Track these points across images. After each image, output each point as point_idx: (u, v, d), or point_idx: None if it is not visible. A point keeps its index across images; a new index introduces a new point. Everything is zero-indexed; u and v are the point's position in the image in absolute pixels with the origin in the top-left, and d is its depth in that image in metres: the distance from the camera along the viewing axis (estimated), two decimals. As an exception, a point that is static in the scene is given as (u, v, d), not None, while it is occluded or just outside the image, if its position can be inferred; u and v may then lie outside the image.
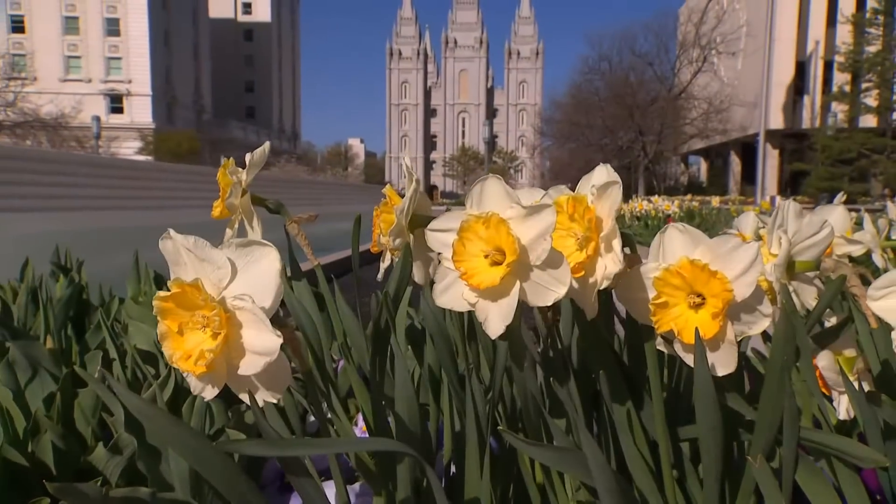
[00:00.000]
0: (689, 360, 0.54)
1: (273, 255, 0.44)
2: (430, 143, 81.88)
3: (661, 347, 0.59)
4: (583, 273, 0.54)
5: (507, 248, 0.48)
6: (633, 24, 54.92)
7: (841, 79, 27.08)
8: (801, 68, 31.27)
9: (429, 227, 0.52)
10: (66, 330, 0.95)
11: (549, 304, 0.49)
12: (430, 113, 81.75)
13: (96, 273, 1.52)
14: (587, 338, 0.60)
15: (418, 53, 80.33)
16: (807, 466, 0.56)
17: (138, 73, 44.12)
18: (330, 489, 0.67)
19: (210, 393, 0.46)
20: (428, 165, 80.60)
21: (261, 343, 0.42)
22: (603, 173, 0.56)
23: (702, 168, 44.01)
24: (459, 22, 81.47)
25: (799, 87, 31.11)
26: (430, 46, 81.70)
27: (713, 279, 0.52)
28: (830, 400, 0.71)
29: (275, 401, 0.45)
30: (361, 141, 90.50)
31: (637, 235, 6.66)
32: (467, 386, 0.56)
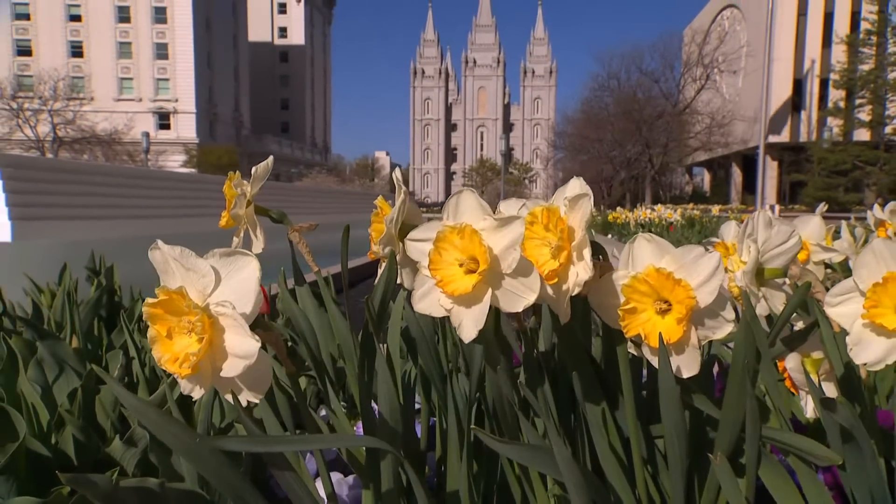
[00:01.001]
0: (656, 362, 0.53)
1: (254, 264, 0.43)
2: (450, 155, 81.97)
3: (633, 350, 0.58)
4: (556, 280, 0.53)
5: (480, 257, 0.47)
6: (641, 44, 54.59)
7: (836, 95, 27.14)
8: (799, 86, 31.25)
9: (408, 237, 0.51)
10: (94, 330, 0.96)
11: (520, 309, 0.48)
12: (450, 127, 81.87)
13: (137, 277, 1.53)
14: (563, 341, 0.58)
15: (440, 72, 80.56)
16: (770, 463, 0.54)
17: (184, 92, 44.69)
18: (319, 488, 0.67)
19: (197, 393, 0.45)
20: (449, 176, 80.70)
21: (241, 347, 0.42)
22: (576, 186, 0.55)
23: (705, 178, 43.69)
24: (478, 43, 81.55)
25: (796, 103, 30.96)
26: (451, 66, 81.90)
27: (678, 287, 0.51)
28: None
29: (257, 401, 0.44)
30: (387, 154, 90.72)
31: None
32: (448, 386, 0.55)
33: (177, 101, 44.78)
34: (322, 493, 0.63)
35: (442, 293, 0.48)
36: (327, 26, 70.17)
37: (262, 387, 0.44)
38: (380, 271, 0.72)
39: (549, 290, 0.53)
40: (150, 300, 0.43)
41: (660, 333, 0.51)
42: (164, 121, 44.90)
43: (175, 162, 40.45)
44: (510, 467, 0.60)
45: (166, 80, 44.96)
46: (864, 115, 24.78)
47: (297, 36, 62.30)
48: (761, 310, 0.67)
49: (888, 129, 24.10)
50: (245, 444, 0.44)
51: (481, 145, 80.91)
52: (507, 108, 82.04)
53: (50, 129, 37.32)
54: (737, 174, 35.98)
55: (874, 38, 24.03)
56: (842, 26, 29.23)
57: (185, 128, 44.72)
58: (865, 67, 24.45)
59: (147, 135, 29.16)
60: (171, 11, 44.32)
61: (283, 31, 62.41)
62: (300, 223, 0.74)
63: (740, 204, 26.52)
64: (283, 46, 62.22)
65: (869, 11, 24.69)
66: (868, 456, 0.50)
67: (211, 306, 0.42)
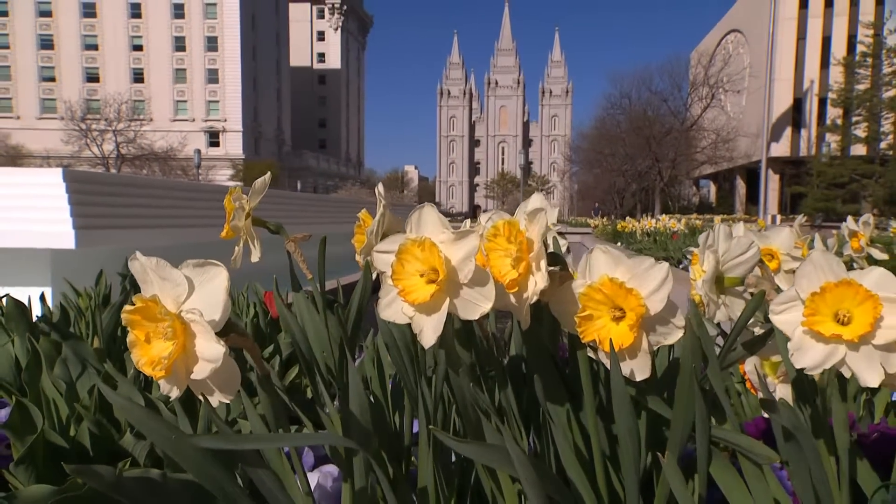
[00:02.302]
0: (609, 365, 0.52)
1: (223, 274, 0.43)
2: (474, 168, 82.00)
3: (591, 354, 0.57)
4: (517, 289, 0.52)
5: (439, 268, 0.47)
6: (650, 66, 54.10)
7: (834, 113, 27.06)
8: (799, 104, 31.12)
9: (375, 248, 0.51)
10: (118, 331, 0.97)
11: (477, 317, 0.47)
12: (474, 143, 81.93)
13: None
14: (529, 346, 0.57)
15: (464, 93, 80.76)
16: (720, 461, 0.53)
17: (232, 113, 45.38)
18: (313, 477, 0.66)
19: (175, 393, 0.45)
20: (472, 188, 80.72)
21: (208, 351, 0.41)
22: (536, 201, 0.54)
23: (711, 190, 43.19)
24: (500, 66, 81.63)
25: (797, 120, 30.68)
26: (475, 86, 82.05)
27: (630, 295, 0.50)
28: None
29: (227, 401, 0.44)
30: (416, 167, 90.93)
31: (646, 250, 6.55)
32: (418, 389, 0.54)
33: (225, 120, 45.49)
34: (311, 486, 0.63)
35: (404, 302, 0.47)
36: (361, 52, 70.76)
37: (232, 388, 0.44)
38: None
39: (512, 299, 0.52)
40: (128, 307, 0.43)
41: (610, 339, 0.50)
42: (214, 139, 45.63)
43: (223, 176, 41.05)
44: (481, 464, 0.59)
45: (216, 102, 45.72)
46: (861, 131, 24.73)
47: (333, 61, 62.95)
48: (722, 316, 0.65)
49: (883, 145, 24.02)
50: (216, 441, 0.44)
51: (502, 159, 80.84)
52: (526, 126, 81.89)
53: (114, 147, 38.15)
54: (741, 186, 35.58)
55: (869, 60, 24.00)
56: (839, 49, 29.25)
57: (233, 145, 45.39)
58: (861, 87, 24.43)
59: (199, 151, 29.65)
60: (222, 41, 45.11)
61: (321, 57, 63.11)
62: (296, 234, 0.74)
63: (744, 214, 26.23)
64: (321, 70, 62.91)
65: (865, 35, 24.69)
66: (810, 454, 0.48)
67: (183, 313, 0.42)
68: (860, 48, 24.92)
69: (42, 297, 1.17)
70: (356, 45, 68.31)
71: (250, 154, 45.23)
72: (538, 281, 0.52)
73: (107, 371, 0.77)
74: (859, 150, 25.18)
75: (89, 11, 45.11)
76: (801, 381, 0.58)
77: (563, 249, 1.21)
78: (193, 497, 0.60)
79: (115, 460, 0.78)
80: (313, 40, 62.67)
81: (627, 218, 13.38)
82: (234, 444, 0.44)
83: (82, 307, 1.18)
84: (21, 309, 0.86)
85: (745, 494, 0.52)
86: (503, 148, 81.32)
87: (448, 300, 0.47)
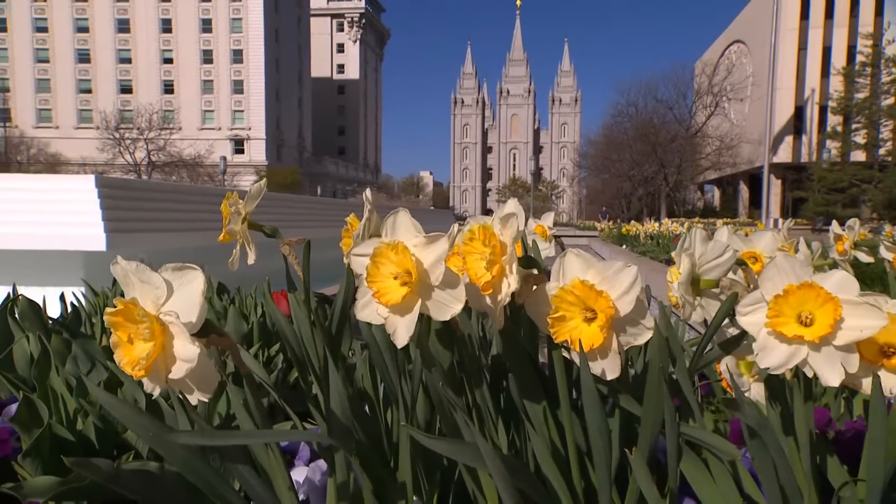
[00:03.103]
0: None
1: (200, 277, 0.43)
2: (486, 174, 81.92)
3: (566, 354, 0.56)
4: (491, 291, 0.51)
5: (412, 271, 0.46)
6: (656, 75, 53.68)
7: (834, 120, 26.87)
8: (800, 112, 30.94)
9: (352, 252, 0.50)
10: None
11: (448, 318, 0.47)
12: (486, 149, 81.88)
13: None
14: (507, 346, 0.57)
15: (477, 101, 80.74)
16: (689, 457, 0.52)
17: (256, 122, 45.74)
18: (303, 472, 0.66)
19: (156, 392, 0.45)
20: (485, 193, 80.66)
21: (184, 352, 0.41)
22: (510, 206, 0.53)
23: (715, 195, 42.83)
24: (511, 76, 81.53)
25: (798, 127, 30.49)
26: (487, 95, 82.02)
27: (600, 297, 0.49)
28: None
29: (206, 399, 0.44)
30: (430, 173, 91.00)
31: (649, 252, 6.50)
32: (399, 387, 0.53)
33: (250, 129, 45.86)
34: (300, 480, 0.63)
35: (378, 303, 0.47)
36: (379, 63, 70.99)
37: (209, 387, 0.44)
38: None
39: (488, 300, 0.52)
40: (109, 309, 0.43)
41: (579, 340, 0.49)
42: (239, 146, 46.00)
43: (247, 181, 41.34)
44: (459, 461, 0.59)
45: (241, 111, 46.12)
46: (860, 138, 24.61)
47: (352, 72, 63.24)
48: (697, 317, 0.64)
49: (882, 151, 23.91)
50: (195, 437, 0.43)
51: (514, 165, 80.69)
52: (536, 133, 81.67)
53: (145, 154, 38.59)
54: (744, 191, 35.29)
55: (869, 70, 23.94)
56: (839, 59, 29.14)
57: (257, 152, 45.73)
58: (861, 95, 24.33)
59: (224, 158, 29.95)
60: (247, 54, 45.51)
61: (340, 68, 63.42)
62: (290, 237, 0.74)
63: (747, 217, 26.03)
64: (340, 81, 63.22)
65: (864, 45, 24.66)
66: (774, 450, 0.47)
67: (161, 315, 0.42)
68: (860, 58, 24.89)
69: (62, 297, 1.18)
70: (374, 57, 68.54)
71: (273, 161, 45.54)
72: (511, 283, 0.51)
73: (113, 369, 0.77)
74: (859, 156, 25.06)
75: (123, 27, 45.75)
76: (772, 380, 0.57)
77: (560, 250, 1.19)
78: (189, 488, 0.60)
79: (120, 453, 0.78)
80: (333, 52, 62.99)
81: (632, 222, 13.29)
82: (211, 440, 0.44)
83: (99, 306, 1.19)
84: (35, 309, 0.87)
85: (714, 490, 0.51)
86: (514, 154, 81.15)
87: (420, 301, 0.46)
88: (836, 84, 27.00)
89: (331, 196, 41.71)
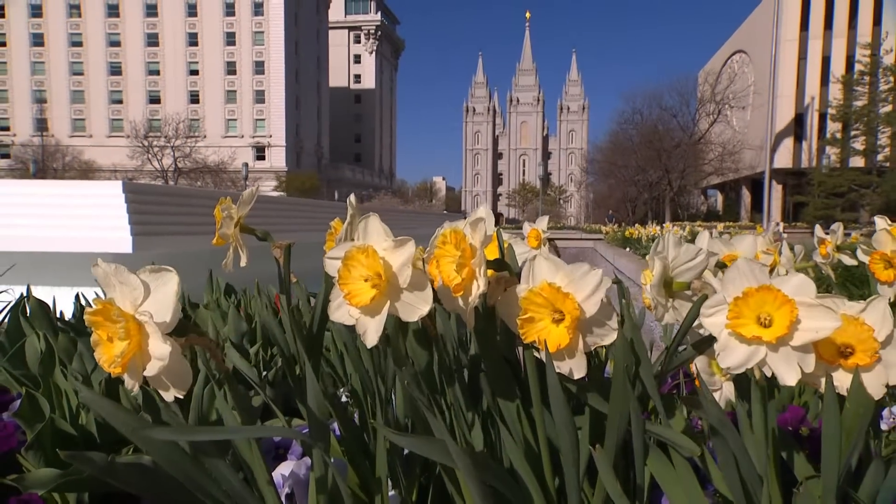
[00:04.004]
0: (553, 365, 0.50)
1: (175, 279, 0.43)
2: (497, 179, 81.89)
3: (537, 354, 0.55)
4: (462, 292, 0.51)
5: (381, 273, 0.46)
6: (661, 84, 53.31)
7: (833, 127, 26.80)
8: (800, 119, 30.75)
9: (326, 255, 0.50)
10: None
11: (416, 319, 0.46)
12: (497, 156, 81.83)
13: (234, 280, 1.57)
14: (482, 346, 0.56)
15: (488, 109, 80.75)
16: (656, 454, 0.51)
17: (276, 130, 46.08)
18: (289, 466, 0.66)
19: (136, 388, 0.45)
20: (496, 197, 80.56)
21: (157, 350, 0.41)
22: (480, 211, 0.53)
23: (719, 199, 42.52)
24: (521, 85, 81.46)
25: (798, 133, 30.28)
26: (498, 104, 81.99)
27: (567, 299, 0.48)
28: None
29: (181, 396, 0.44)
30: (443, 178, 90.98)
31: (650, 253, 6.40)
32: (374, 385, 0.53)
33: (271, 136, 46.19)
34: (284, 474, 0.63)
35: (349, 304, 0.47)
36: (394, 72, 71.23)
37: (184, 385, 0.44)
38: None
39: (460, 302, 0.51)
40: (89, 309, 0.43)
41: (549, 339, 0.48)
42: (260, 153, 46.36)
43: (268, 186, 41.61)
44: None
45: (263, 120, 46.48)
46: (859, 144, 24.52)
47: (368, 81, 63.52)
48: (670, 318, 0.63)
49: (880, 157, 23.83)
50: (170, 433, 0.43)
51: (523, 171, 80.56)
52: (545, 140, 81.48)
53: (172, 161, 38.99)
54: (746, 196, 35.02)
55: (867, 78, 23.84)
56: (838, 68, 29.00)
57: (277, 159, 46.05)
58: (859, 103, 24.23)
59: (246, 165, 30.19)
60: (268, 65, 45.89)
61: (357, 78, 63.71)
62: (280, 241, 0.74)
63: (749, 221, 25.84)
64: (357, 90, 63.54)
65: (862, 55, 24.59)
66: (736, 447, 0.46)
67: (137, 315, 0.42)
68: (858, 67, 24.78)
69: (77, 298, 1.19)
70: (389, 67, 68.77)
71: (292, 167, 45.82)
72: (480, 285, 0.51)
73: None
74: (857, 161, 24.92)
75: (153, 41, 46.35)
76: (740, 379, 0.56)
77: (555, 251, 1.18)
78: (180, 481, 0.60)
79: (121, 447, 0.78)
80: (350, 63, 63.29)
81: (636, 225, 13.21)
82: (184, 436, 0.44)
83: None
84: (44, 308, 0.88)
85: (679, 487, 0.50)
86: (524, 160, 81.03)
87: (389, 303, 0.46)
88: (836, 92, 26.85)
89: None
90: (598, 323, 0.49)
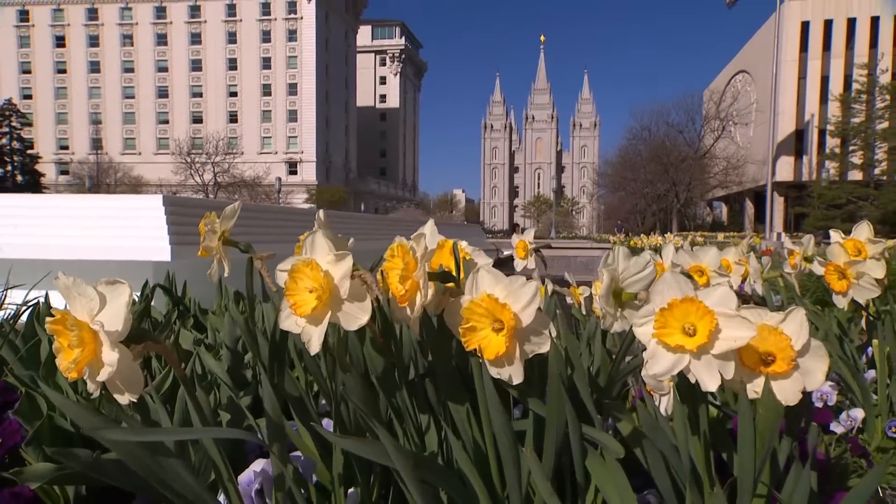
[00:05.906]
0: (493, 371, 0.49)
1: (127, 291, 0.43)
2: (513, 192, 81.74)
3: (481, 361, 0.54)
4: (406, 303, 0.50)
5: (323, 285, 0.46)
6: (668, 101, 52.86)
7: (832, 143, 26.61)
8: (801, 135, 30.53)
9: (277, 267, 0.50)
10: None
11: (355, 328, 0.46)
12: (513, 170, 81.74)
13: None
14: (432, 353, 0.55)
15: (505, 127, 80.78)
16: (593, 455, 0.50)
17: (308, 146, 46.67)
18: (259, 465, 0.65)
19: (96, 392, 0.45)
20: (512, 209, 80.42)
21: (107, 357, 0.41)
22: (425, 227, 0.52)
23: (723, 211, 41.96)
24: (536, 103, 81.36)
25: (799, 149, 29.96)
26: (514, 121, 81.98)
27: (504, 309, 0.48)
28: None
29: (134, 399, 0.44)
30: (463, 191, 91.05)
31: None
32: (328, 389, 0.53)
33: (302, 153, 46.79)
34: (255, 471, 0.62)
35: (293, 314, 0.46)
36: (417, 92, 71.71)
37: (136, 389, 0.44)
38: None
39: (408, 311, 0.51)
40: (49, 318, 0.43)
41: (488, 347, 0.47)
42: (292, 168, 46.96)
43: (299, 199, 42.10)
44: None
45: (295, 137, 47.14)
46: (857, 159, 24.37)
47: (393, 101, 64.05)
48: (619, 327, 0.61)
49: (877, 171, 23.59)
50: (124, 434, 0.43)
51: (538, 184, 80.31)
52: (559, 154, 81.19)
53: (212, 176, 39.66)
54: (749, 207, 34.59)
55: (864, 96, 23.76)
56: (836, 86, 28.79)
57: (308, 173, 46.60)
58: (857, 120, 24.04)
59: (279, 179, 30.56)
60: (300, 87, 46.60)
61: (382, 98, 64.30)
62: (261, 253, 0.74)
63: (752, 231, 25.48)
64: (382, 109, 64.09)
65: (859, 74, 24.50)
66: (666, 448, 0.45)
67: (92, 324, 0.42)
68: (855, 86, 24.72)
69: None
70: (412, 87, 69.25)
71: (322, 181, 46.31)
72: (423, 295, 0.50)
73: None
74: (856, 175, 24.66)
75: (196, 66, 47.44)
76: (681, 385, 0.55)
77: (541, 261, 1.16)
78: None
79: (116, 443, 0.78)
80: (376, 84, 63.90)
81: (641, 235, 13.06)
82: (138, 436, 0.44)
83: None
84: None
85: (612, 485, 0.49)
86: (539, 174, 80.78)
87: (330, 313, 0.46)
88: (834, 109, 26.68)
89: (373, 212, 42.08)
90: (535, 332, 0.48)
